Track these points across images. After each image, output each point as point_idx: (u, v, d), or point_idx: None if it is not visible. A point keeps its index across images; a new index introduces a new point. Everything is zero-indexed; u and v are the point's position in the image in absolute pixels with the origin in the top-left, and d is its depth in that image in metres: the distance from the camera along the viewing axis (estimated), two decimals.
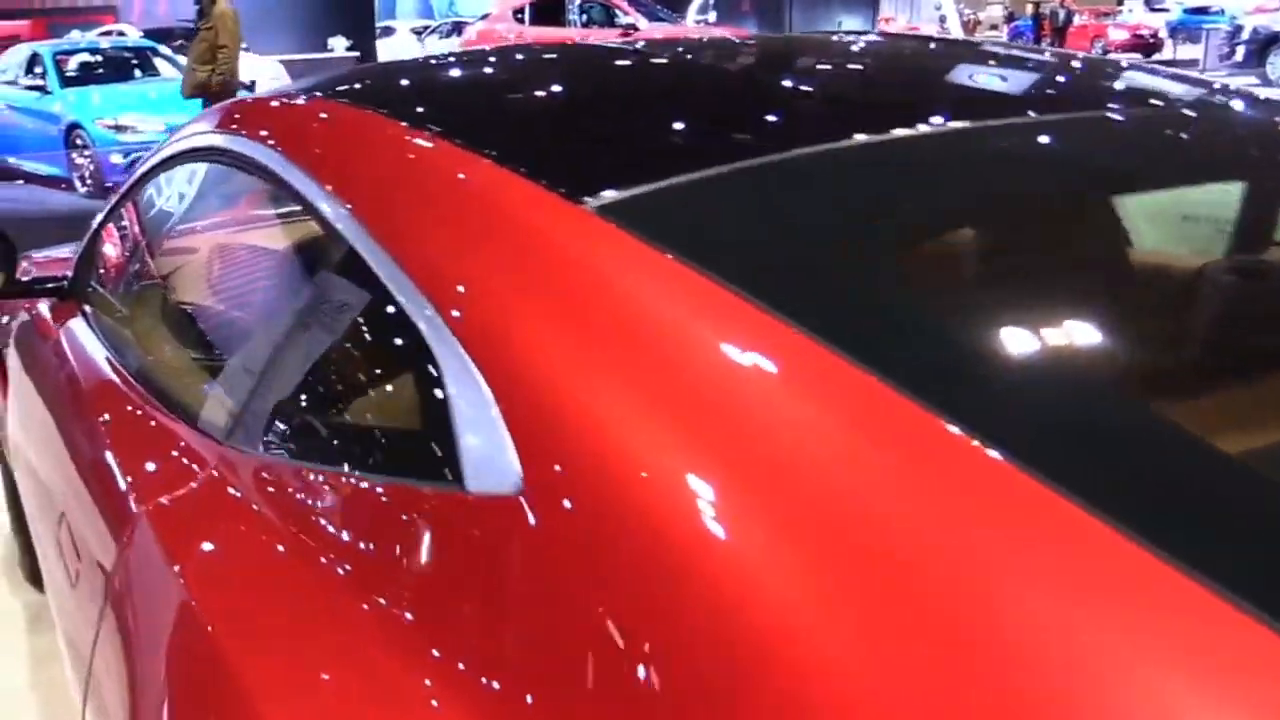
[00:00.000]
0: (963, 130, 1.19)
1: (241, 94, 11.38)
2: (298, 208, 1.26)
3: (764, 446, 0.73)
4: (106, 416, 1.52)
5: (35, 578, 3.08)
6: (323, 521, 1.00)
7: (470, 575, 0.83)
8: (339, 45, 16.58)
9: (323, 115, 1.41)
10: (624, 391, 0.80)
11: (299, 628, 0.92)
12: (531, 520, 0.78)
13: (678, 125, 1.27)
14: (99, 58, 11.51)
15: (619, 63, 1.65)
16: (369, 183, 1.17)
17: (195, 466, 1.21)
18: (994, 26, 34.85)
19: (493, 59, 1.84)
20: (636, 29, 16.04)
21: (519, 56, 1.87)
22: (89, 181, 9.96)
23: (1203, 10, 29.08)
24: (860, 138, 1.14)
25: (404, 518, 0.92)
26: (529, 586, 0.78)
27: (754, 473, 0.72)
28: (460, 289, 0.95)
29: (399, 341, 1.00)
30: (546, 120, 1.32)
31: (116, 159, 9.62)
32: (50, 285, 2.15)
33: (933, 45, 2.00)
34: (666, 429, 0.77)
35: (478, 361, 0.88)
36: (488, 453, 0.83)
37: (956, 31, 24.77)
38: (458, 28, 23.01)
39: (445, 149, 1.13)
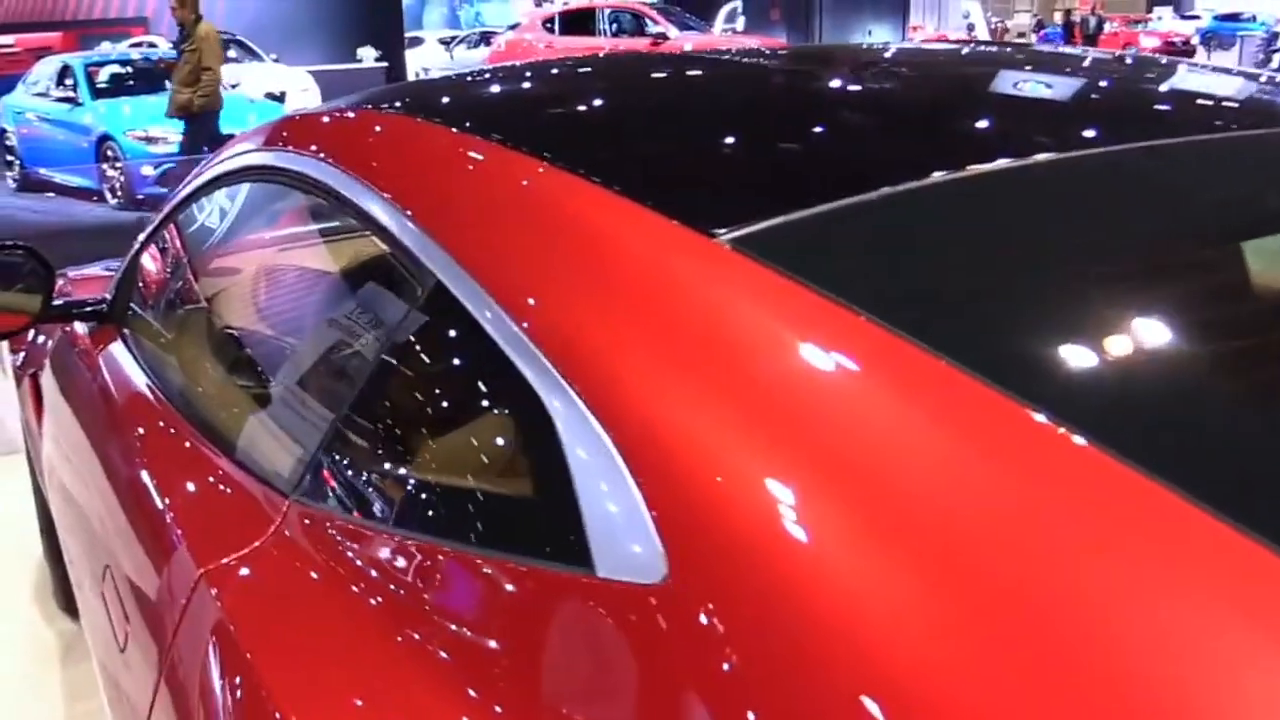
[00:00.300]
0: (1110, 153, 1.07)
1: (270, 105, 11.39)
2: (369, 233, 1.15)
3: (965, 532, 0.62)
4: (157, 459, 1.41)
5: (70, 606, 3.00)
6: (407, 595, 0.88)
7: (603, 677, 0.71)
8: (368, 56, 16.53)
9: (397, 132, 1.29)
10: (793, 464, 0.69)
11: None
12: (681, 618, 0.67)
13: (806, 145, 1.15)
14: (130, 69, 11.47)
15: (723, 74, 1.52)
16: (463, 212, 1.05)
17: (259, 524, 1.09)
18: (1021, 34, 34.64)
19: (577, 70, 1.71)
20: (666, 38, 15.98)
21: (615, 67, 1.73)
22: (119, 194, 9.92)
23: (1234, 17, 28.91)
24: (1008, 161, 1.02)
25: (520, 601, 0.80)
26: (675, 698, 0.66)
27: (954, 563, 0.61)
28: (581, 336, 0.84)
29: (504, 394, 0.89)
30: (664, 144, 1.20)
31: (147, 171, 9.58)
32: (88, 309, 2.05)
33: (1049, 55, 1.87)
34: (854, 516, 0.65)
35: (607, 425, 0.76)
36: (623, 532, 0.72)
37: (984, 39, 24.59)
38: (485, 38, 22.95)
39: (553, 176, 1.01)
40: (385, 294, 1.15)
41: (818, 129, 1.21)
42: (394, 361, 1.07)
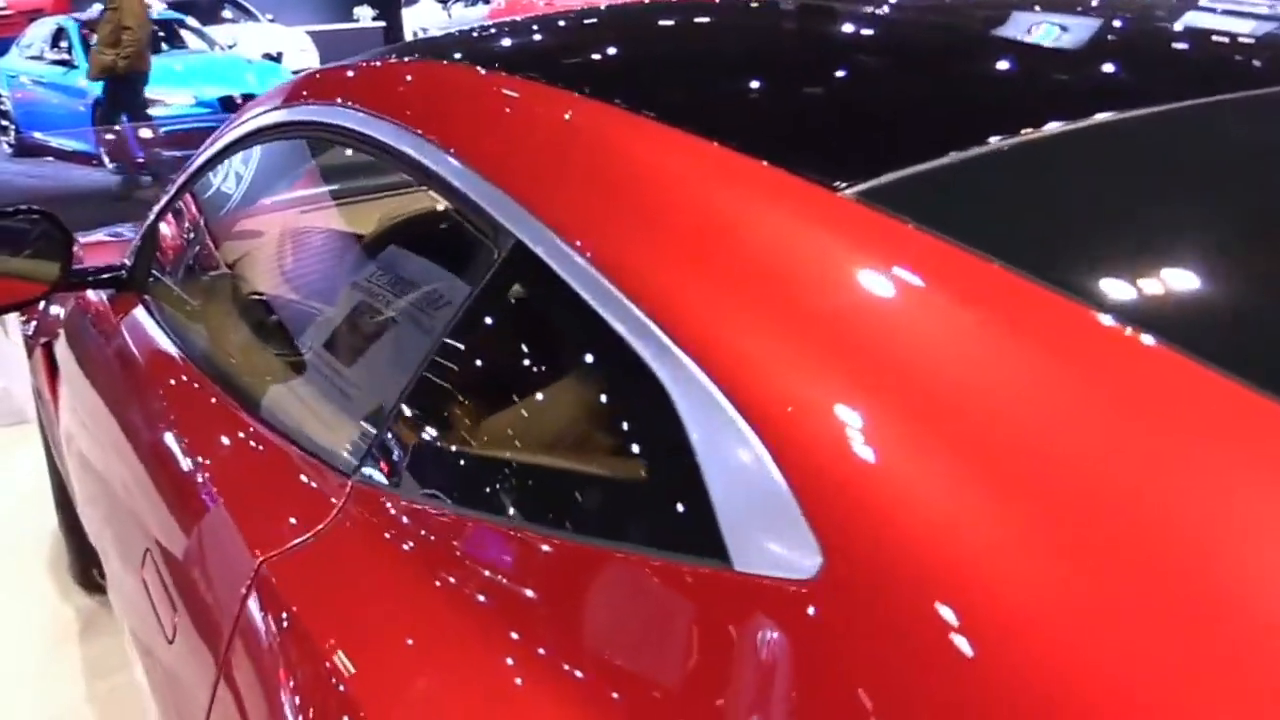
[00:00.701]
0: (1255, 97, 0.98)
1: (267, 65, 11.22)
2: (431, 190, 1.06)
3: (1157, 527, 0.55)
4: (199, 436, 1.32)
5: (86, 581, 2.93)
6: (503, 588, 0.80)
7: (746, 689, 0.62)
8: (365, 15, 16.35)
9: (463, 84, 1.17)
10: (962, 441, 0.61)
11: None
12: (843, 619, 0.59)
13: (925, 87, 1.06)
14: None
15: (815, 16, 1.40)
16: (548, 168, 0.95)
17: (318, 507, 1.00)
18: None
19: (655, 12, 1.57)
20: None
21: (696, 8, 1.58)
22: (118, 157, 9.77)
23: None
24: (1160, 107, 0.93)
25: (642, 597, 0.72)
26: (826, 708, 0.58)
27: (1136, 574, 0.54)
28: (696, 301, 0.74)
29: (604, 364, 0.80)
30: (767, 91, 1.09)
31: (145, 133, 9.43)
32: (105, 276, 1.96)
33: None
34: (1026, 495, 0.58)
35: (739, 402, 0.67)
36: (765, 520, 0.64)
37: None
38: None
39: (650, 129, 0.91)
40: (455, 256, 1.06)
41: (933, 70, 1.11)
42: (469, 330, 0.97)
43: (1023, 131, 0.86)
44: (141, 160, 9.21)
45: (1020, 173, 0.84)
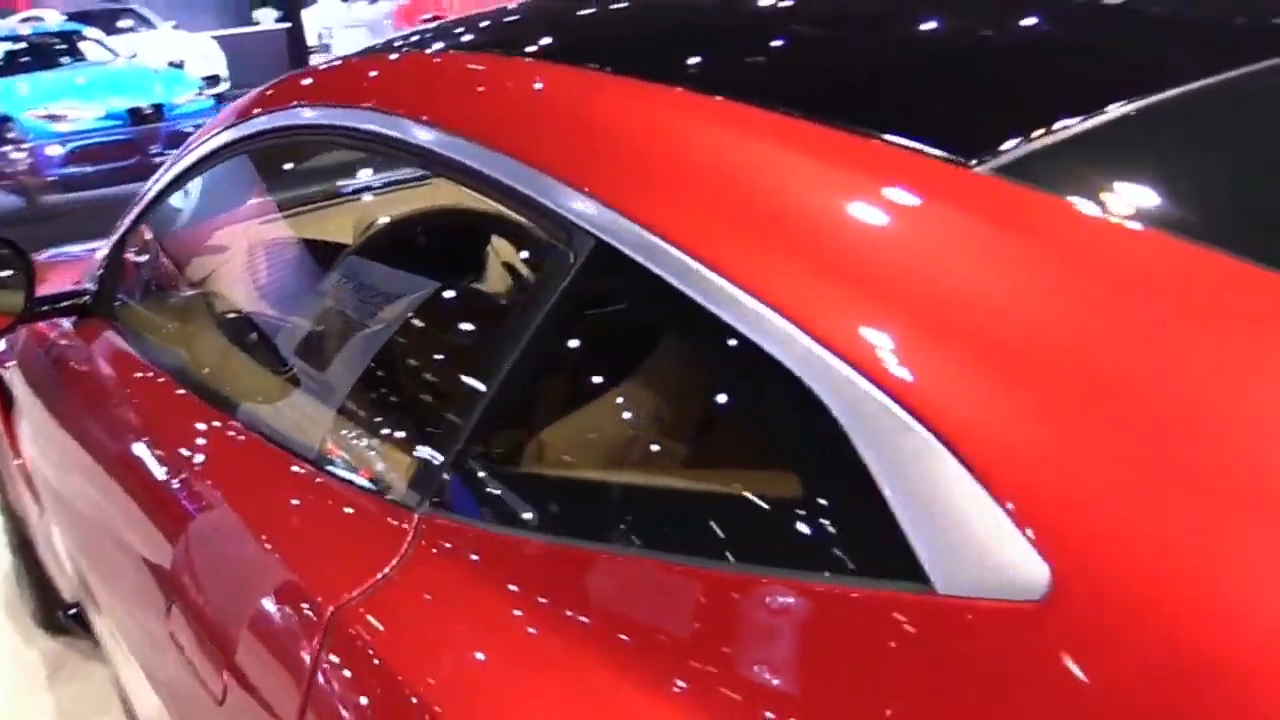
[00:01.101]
0: None
1: (175, 73, 10.86)
2: (480, 191, 0.97)
3: None
4: (226, 473, 1.21)
5: (50, 624, 2.78)
6: (644, 625, 0.72)
7: None
8: (267, 17, 15.97)
9: (509, 75, 1.07)
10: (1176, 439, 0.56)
11: None
12: (1080, 644, 0.53)
13: (1052, 44, 0.99)
14: (21, 45, 10.90)
15: None
16: (638, 163, 0.85)
17: (383, 544, 0.91)
18: None
19: None
20: None
21: None
22: (24, 177, 9.40)
23: None
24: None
25: (802, 623, 0.65)
26: None
27: None
28: (845, 302, 0.68)
29: (729, 375, 0.73)
30: (870, 62, 1.01)
31: (54, 150, 9.08)
32: (64, 304, 1.84)
33: None
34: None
35: (915, 410, 0.61)
36: (969, 536, 0.57)
37: None
38: None
39: (754, 115, 0.83)
40: (516, 261, 0.98)
41: (1059, 29, 1.04)
42: (547, 342, 0.88)
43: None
44: (51, 180, 8.86)
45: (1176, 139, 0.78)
